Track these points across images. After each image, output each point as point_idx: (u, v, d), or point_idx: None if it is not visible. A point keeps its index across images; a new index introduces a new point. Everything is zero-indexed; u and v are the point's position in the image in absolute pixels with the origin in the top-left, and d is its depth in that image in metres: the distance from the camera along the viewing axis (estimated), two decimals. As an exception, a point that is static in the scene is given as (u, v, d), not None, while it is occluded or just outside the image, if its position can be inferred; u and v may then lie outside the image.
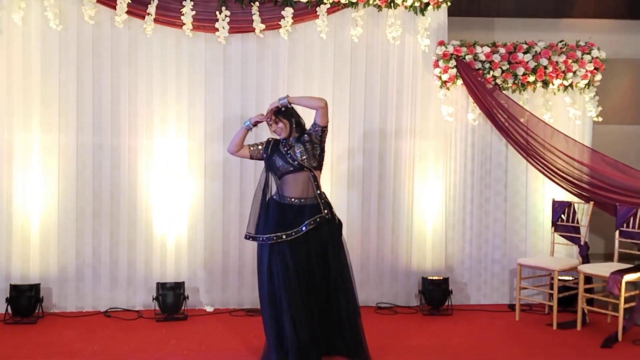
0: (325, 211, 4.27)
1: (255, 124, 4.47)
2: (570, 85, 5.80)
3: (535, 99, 5.86)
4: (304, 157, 4.29)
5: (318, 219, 4.24)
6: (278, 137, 4.44)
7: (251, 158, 4.52)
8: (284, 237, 4.20)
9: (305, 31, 5.68)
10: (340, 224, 4.43)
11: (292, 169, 4.29)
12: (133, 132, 5.56)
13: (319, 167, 4.39)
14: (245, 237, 4.38)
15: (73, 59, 5.45)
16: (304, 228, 4.21)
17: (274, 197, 4.35)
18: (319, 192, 4.31)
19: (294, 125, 4.39)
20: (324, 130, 4.35)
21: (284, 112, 4.38)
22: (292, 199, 4.29)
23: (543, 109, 5.83)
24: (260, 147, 4.47)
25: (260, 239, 4.27)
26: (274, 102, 4.41)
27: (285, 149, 4.34)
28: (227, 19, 5.46)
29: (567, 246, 5.82)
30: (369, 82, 5.78)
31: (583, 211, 5.61)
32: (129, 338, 4.87)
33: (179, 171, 5.63)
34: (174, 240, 5.63)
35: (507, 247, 5.96)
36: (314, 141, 4.34)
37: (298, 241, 4.22)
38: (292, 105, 4.37)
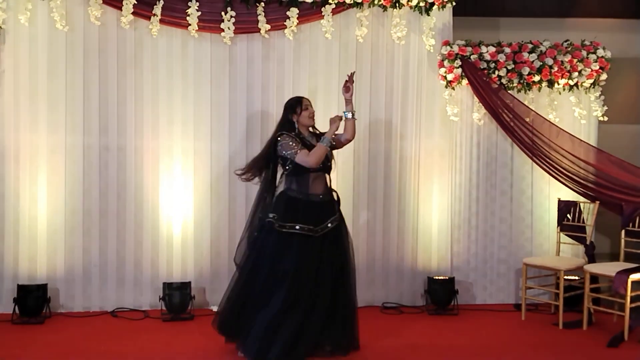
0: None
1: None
2: (576, 84, 5.80)
3: (541, 99, 5.86)
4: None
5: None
6: (310, 123, 4.53)
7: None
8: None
9: (310, 31, 5.69)
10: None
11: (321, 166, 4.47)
12: (139, 133, 5.58)
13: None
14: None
15: (79, 60, 5.47)
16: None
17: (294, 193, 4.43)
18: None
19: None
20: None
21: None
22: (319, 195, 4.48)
23: (548, 109, 5.83)
24: (299, 144, 4.40)
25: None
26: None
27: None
28: (233, 20, 5.48)
29: (573, 246, 5.81)
30: (374, 82, 5.79)
31: (589, 211, 5.60)
32: (135, 338, 4.89)
33: (185, 172, 5.64)
34: (181, 240, 5.64)
35: (512, 247, 5.95)
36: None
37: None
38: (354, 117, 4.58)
